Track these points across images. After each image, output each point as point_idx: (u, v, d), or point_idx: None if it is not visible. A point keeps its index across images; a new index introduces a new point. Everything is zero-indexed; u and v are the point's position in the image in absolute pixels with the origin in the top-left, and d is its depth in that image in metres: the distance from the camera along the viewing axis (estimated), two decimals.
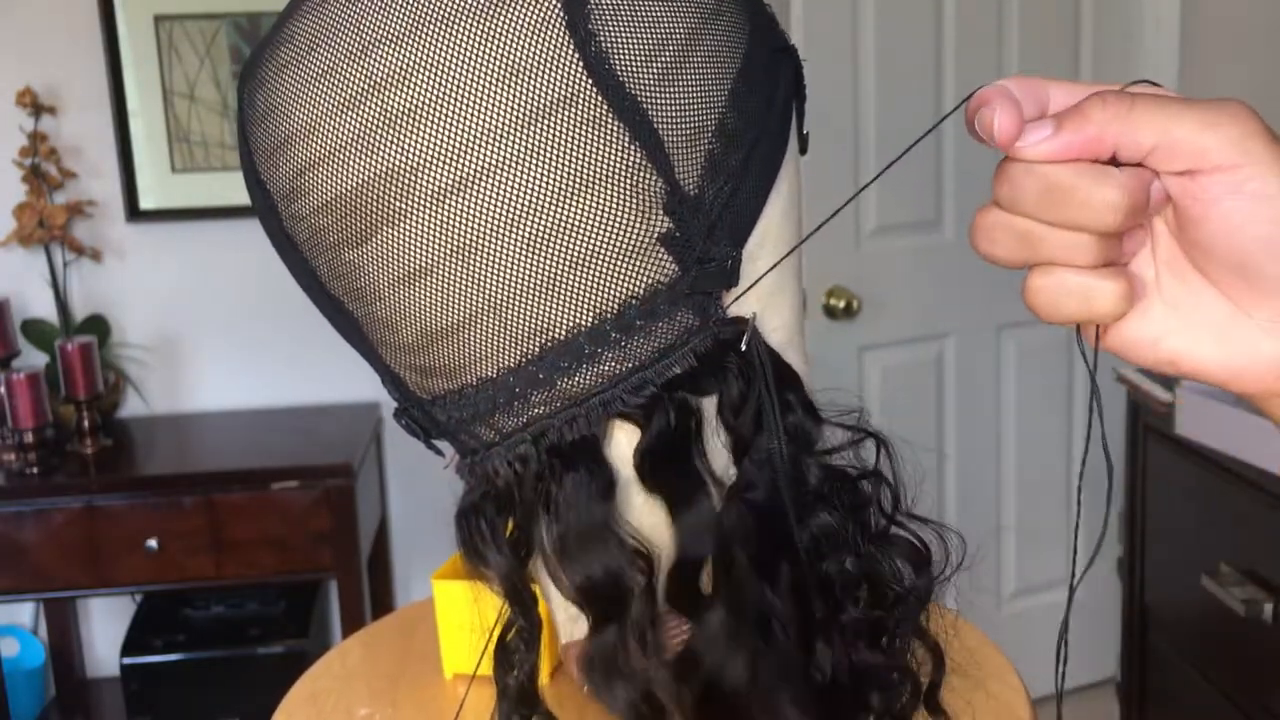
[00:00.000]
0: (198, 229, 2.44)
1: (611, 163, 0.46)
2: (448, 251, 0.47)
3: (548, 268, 0.47)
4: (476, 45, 0.45)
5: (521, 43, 0.45)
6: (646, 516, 0.51)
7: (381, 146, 0.46)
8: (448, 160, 0.46)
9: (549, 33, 0.46)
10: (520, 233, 0.46)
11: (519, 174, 0.46)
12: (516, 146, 0.46)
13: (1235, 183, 0.40)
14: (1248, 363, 0.43)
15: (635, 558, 0.50)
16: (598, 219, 0.46)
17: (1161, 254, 0.44)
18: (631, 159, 0.46)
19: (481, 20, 0.46)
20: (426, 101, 0.46)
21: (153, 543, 2.13)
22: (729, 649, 0.49)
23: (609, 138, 0.46)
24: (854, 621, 0.52)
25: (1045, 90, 0.43)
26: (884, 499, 0.53)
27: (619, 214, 0.47)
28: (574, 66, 0.46)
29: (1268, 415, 0.45)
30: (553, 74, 0.46)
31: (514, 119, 0.45)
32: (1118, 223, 0.40)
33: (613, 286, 0.47)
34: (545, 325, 0.48)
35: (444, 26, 0.46)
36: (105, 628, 2.55)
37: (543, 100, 0.46)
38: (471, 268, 0.47)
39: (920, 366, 2.37)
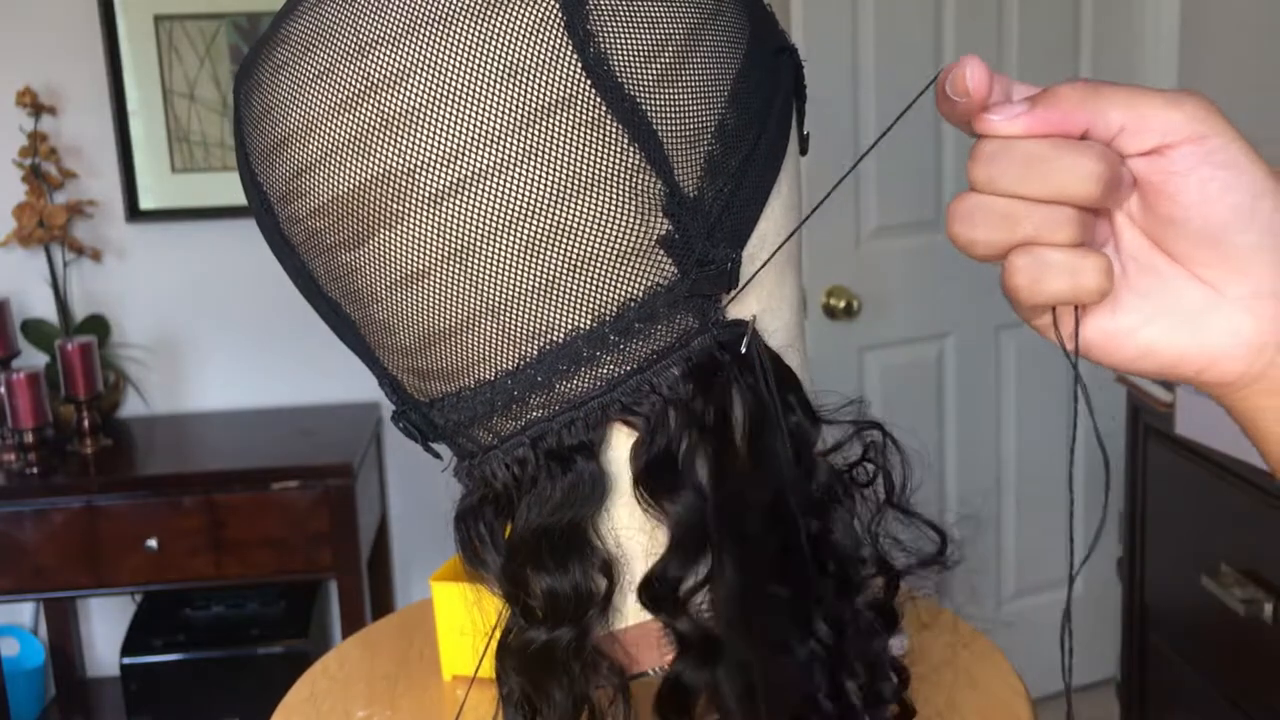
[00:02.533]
0: (198, 229, 2.44)
1: (610, 164, 0.46)
2: (445, 254, 0.47)
3: (546, 270, 0.46)
4: (474, 46, 0.45)
5: (519, 44, 0.45)
6: (628, 521, 0.50)
7: (378, 148, 0.46)
8: (445, 162, 0.46)
9: (547, 34, 0.45)
10: (518, 235, 0.46)
11: (517, 176, 0.46)
12: (514, 148, 0.45)
13: (1204, 153, 0.41)
14: (1226, 346, 0.43)
15: (604, 564, 0.50)
16: (596, 221, 0.46)
17: (1126, 246, 0.44)
18: (630, 160, 0.46)
19: (479, 21, 0.45)
20: (424, 103, 0.45)
21: (153, 543, 2.13)
22: (726, 659, 0.49)
23: (608, 139, 0.46)
24: (862, 615, 0.52)
25: (1008, 83, 0.44)
26: (889, 483, 0.53)
27: (618, 216, 0.46)
28: (572, 68, 0.45)
29: (1235, 413, 0.45)
30: (551, 75, 0.45)
31: (512, 120, 0.45)
32: (1099, 192, 0.40)
33: (611, 289, 0.47)
34: (543, 328, 0.47)
35: (441, 27, 0.45)
36: (105, 628, 2.55)
37: (541, 102, 0.45)
38: (469, 270, 0.47)
39: (920, 366, 2.37)
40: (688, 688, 0.49)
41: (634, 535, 0.50)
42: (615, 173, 0.46)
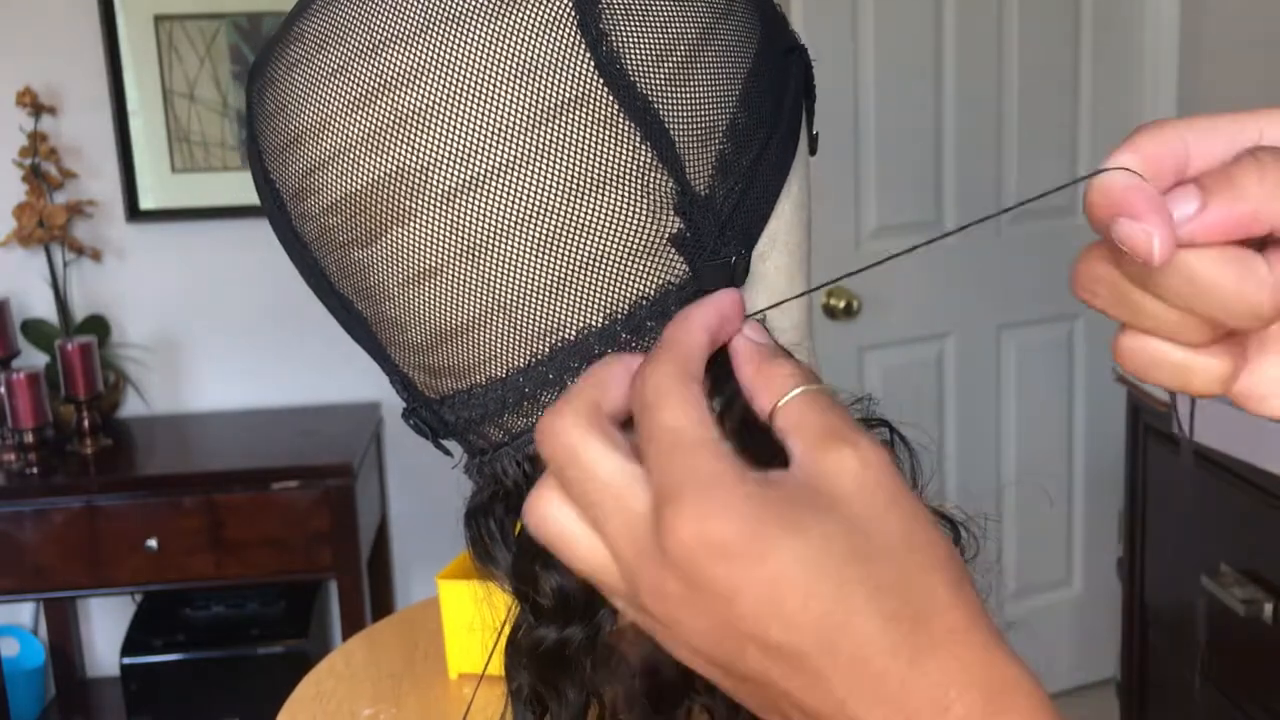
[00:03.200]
0: (198, 229, 2.44)
1: (622, 163, 0.46)
2: (457, 251, 0.47)
3: (558, 268, 0.47)
4: (487, 45, 0.45)
5: (532, 42, 0.45)
6: None
7: (391, 146, 0.46)
8: (458, 160, 0.46)
9: (560, 32, 0.46)
10: (530, 233, 0.46)
11: (529, 174, 0.46)
12: (527, 146, 0.46)
13: None
14: None
15: None
16: (608, 219, 0.46)
17: None
18: (642, 159, 0.46)
19: (492, 20, 0.46)
20: (437, 101, 0.46)
21: (153, 543, 2.13)
22: None
23: (620, 138, 0.46)
24: None
25: (1182, 145, 0.36)
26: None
27: (630, 214, 0.47)
28: (585, 66, 0.46)
29: None
30: (563, 74, 0.46)
31: (524, 119, 0.46)
32: (1252, 326, 0.35)
33: (623, 287, 0.47)
34: (555, 326, 0.48)
35: (455, 26, 0.46)
36: (105, 628, 2.55)
37: (553, 100, 0.46)
38: (481, 268, 0.47)
39: (920, 366, 2.37)
40: (674, 679, 0.49)
41: None
42: (627, 171, 0.46)
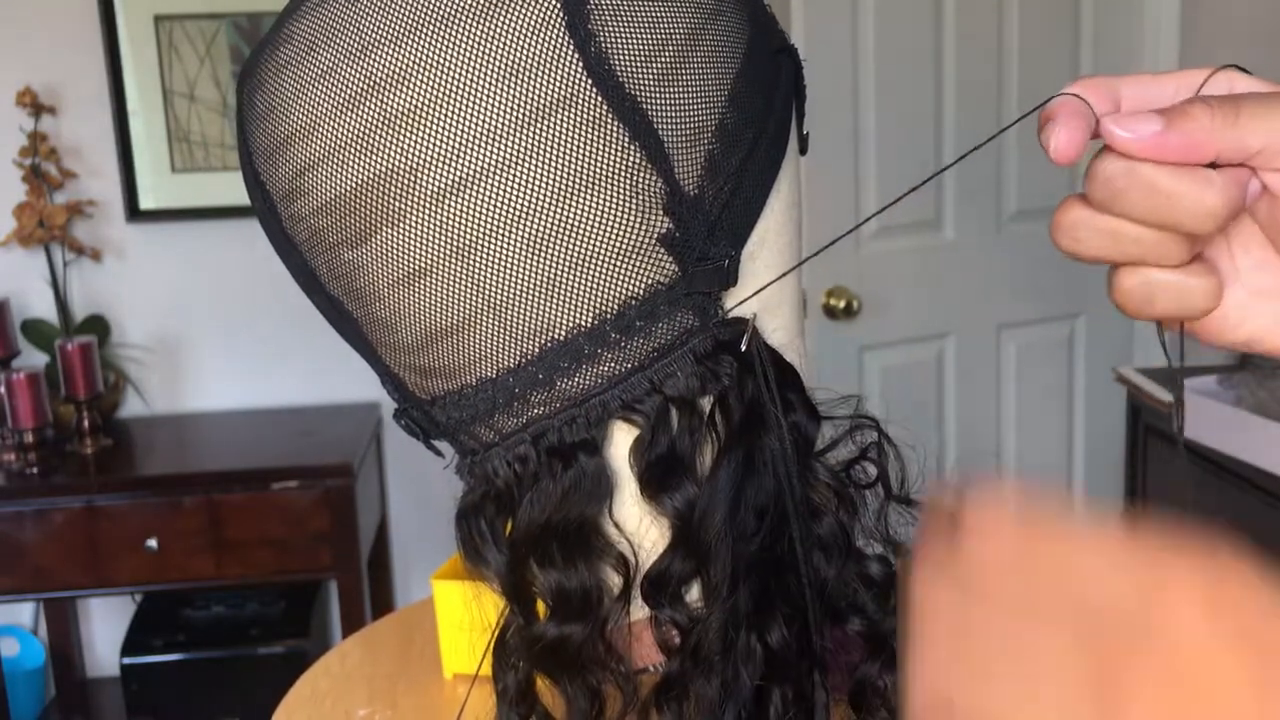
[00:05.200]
0: (198, 229, 2.44)
1: (611, 163, 0.46)
2: (447, 252, 0.47)
3: (547, 268, 0.47)
4: (476, 45, 0.46)
5: (521, 43, 0.46)
6: (636, 518, 0.51)
7: (381, 147, 0.46)
8: (447, 160, 0.46)
9: (549, 33, 0.46)
10: (520, 233, 0.46)
11: (519, 174, 0.46)
12: (516, 147, 0.46)
13: None
14: None
15: (617, 560, 0.50)
16: (598, 219, 0.46)
17: (1242, 240, 0.43)
18: (631, 159, 0.46)
19: (481, 20, 0.46)
20: (426, 102, 0.46)
21: (153, 543, 2.13)
22: (717, 653, 0.49)
23: (609, 138, 0.46)
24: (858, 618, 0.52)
25: (1116, 90, 0.42)
26: (887, 479, 0.53)
27: (619, 214, 0.47)
28: (574, 67, 0.46)
29: None
30: (552, 74, 0.46)
31: (514, 119, 0.46)
32: (1215, 228, 0.39)
33: (613, 287, 0.47)
34: (545, 326, 0.48)
35: (444, 27, 0.46)
36: (105, 628, 2.55)
37: (542, 100, 0.46)
38: (471, 268, 0.47)
39: (920, 366, 2.37)
40: (685, 685, 0.49)
41: (641, 531, 0.51)
42: (616, 171, 0.46)
